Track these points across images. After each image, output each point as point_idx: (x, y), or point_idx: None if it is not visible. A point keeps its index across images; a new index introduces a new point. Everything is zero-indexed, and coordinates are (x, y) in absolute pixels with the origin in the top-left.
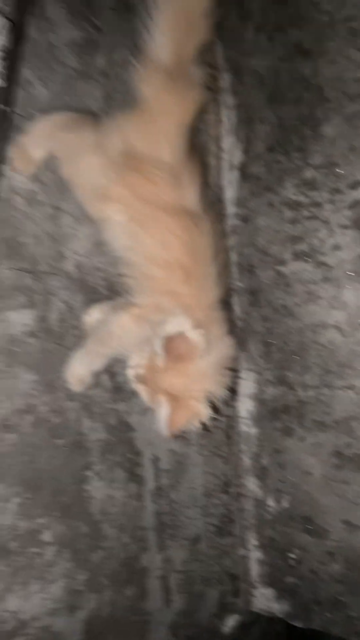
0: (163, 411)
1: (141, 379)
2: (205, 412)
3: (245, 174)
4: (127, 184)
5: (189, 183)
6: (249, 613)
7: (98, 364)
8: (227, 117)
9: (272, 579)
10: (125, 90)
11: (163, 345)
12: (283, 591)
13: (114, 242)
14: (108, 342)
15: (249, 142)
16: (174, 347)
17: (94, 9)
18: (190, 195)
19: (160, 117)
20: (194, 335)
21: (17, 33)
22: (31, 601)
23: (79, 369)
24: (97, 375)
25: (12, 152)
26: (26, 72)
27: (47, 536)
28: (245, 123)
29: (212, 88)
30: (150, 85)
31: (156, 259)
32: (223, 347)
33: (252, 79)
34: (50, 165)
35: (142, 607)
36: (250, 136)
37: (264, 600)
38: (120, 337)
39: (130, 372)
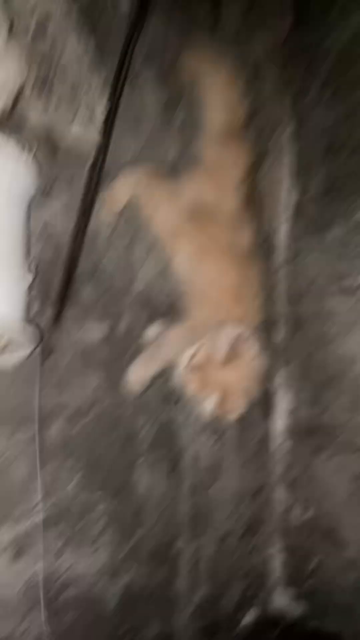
0: (213, 399)
1: (195, 370)
2: (244, 407)
3: (300, 212)
4: (195, 225)
5: (245, 226)
6: (268, 610)
7: (154, 369)
8: (289, 161)
9: (292, 580)
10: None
11: (227, 344)
12: (302, 592)
13: (179, 269)
14: (164, 351)
15: (306, 185)
16: (234, 348)
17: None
18: (245, 236)
19: (220, 173)
20: (251, 341)
21: (116, 96)
22: (82, 562)
23: (139, 372)
24: (153, 379)
25: (105, 194)
26: (120, 125)
27: (100, 508)
28: (304, 168)
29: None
30: (209, 149)
31: (213, 284)
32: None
33: (314, 129)
34: (130, 204)
35: (172, 587)
36: (307, 180)
37: (283, 599)
38: (174, 346)
39: (185, 364)
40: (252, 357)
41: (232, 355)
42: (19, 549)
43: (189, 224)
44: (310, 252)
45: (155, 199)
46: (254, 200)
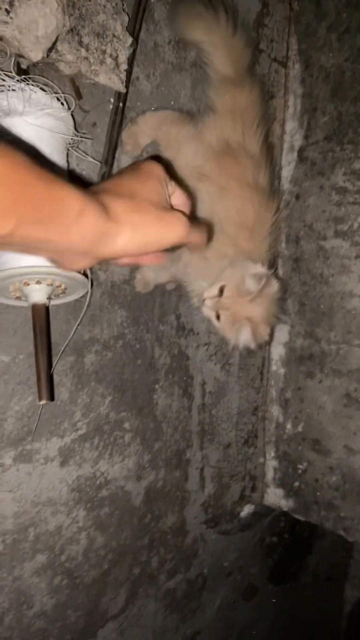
0: (246, 330)
1: (224, 307)
2: (268, 333)
3: (302, 157)
4: (218, 164)
5: (264, 166)
6: (262, 505)
7: (163, 277)
8: (293, 104)
9: (282, 482)
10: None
11: (257, 281)
12: (290, 492)
13: (201, 206)
14: (176, 266)
15: (310, 130)
16: (267, 287)
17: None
18: (264, 176)
19: (240, 116)
20: (271, 278)
21: (135, 42)
22: (114, 468)
23: (148, 273)
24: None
25: (124, 137)
26: (136, 70)
27: (126, 425)
28: (309, 112)
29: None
30: (224, 95)
31: (231, 220)
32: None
33: (319, 73)
34: (149, 146)
35: (184, 487)
36: (311, 124)
37: (275, 497)
38: (186, 267)
39: (208, 302)
40: (274, 293)
41: (260, 293)
42: (65, 458)
43: (212, 163)
44: (310, 196)
45: (177, 142)
46: (270, 142)
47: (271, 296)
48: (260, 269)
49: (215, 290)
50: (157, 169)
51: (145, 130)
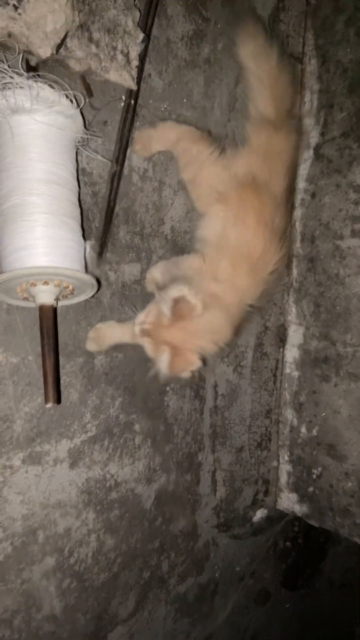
0: (165, 357)
1: (145, 333)
2: (196, 362)
3: (318, 154)
4: (239, 195)
5: (283, 210)
6: (275, 510)
7: (167, 277)
8: (310, 100)
9: (296, 487)
10: (222, 76)
11: (170, 306)
12: (304, 497)
13: (211, 226)
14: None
15: (326, 126)
16: (177, 309)
17: (204, 1)
18: (280, 219)
19: (270, 157)
20: (193, 300)
21: (147, 38)
22: (124, 470)
23: (155, 273)
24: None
25: (137, 136)
26: (147, 67)
27: (137, 427)
28: (325, 108)
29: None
30: (261, 133)
31: (238, 250)
32: (220, 319)
33: (337, 69)
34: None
35: (196, 490)
36: (328, 120)
37: (288, 502)
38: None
39: (136, 329)
40: (197, 317)
41: (178, 316)
42: (74, 459)
43: (234, 192)
44: (327, 195)
45: (199, 161)
46: (292, 187)
47: (198, 320)
48: (180, 292)
49: (142, 317)
50: None
51: (162, 139)
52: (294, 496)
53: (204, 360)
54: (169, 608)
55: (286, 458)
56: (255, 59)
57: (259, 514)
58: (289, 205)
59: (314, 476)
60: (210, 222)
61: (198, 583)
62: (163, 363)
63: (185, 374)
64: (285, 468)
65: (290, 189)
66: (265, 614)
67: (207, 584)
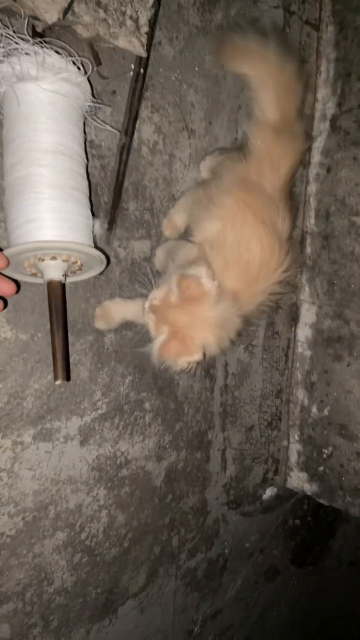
0: (160, 338)
1: (153, 309)
2: (194, 354)
3: (334, 126)
4: (239, 200)
5: (283, 214)
6: (285, 488)
7: (184, 218)
8: (326, 70)
9: (306, 466)
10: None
11: (178, 283)
12: (314, 476)
13: (211, 228)
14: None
15: (344, 97)
16: (188, 290)
17: None
18: (282, 224)
19: (270, 162)
20: (208, 284)
21: (157, 2)
22: (134, 448)
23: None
24: None
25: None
26: (157, 34)
27: (147, 405)
28: (343, 77)
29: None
30: (263, 139)
31: (236, 255)
32: (233, 317)
33: (355, 35)
34: (170, 118)
35: (205, 468)
36: (345, 90)
37: (298, 480)
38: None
39: (146, 304)
40: (210, 305)
41: (187, 298)
42: (85, 437)
43: (235, 197)
44: (343, 169)
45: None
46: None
47: (210, 310)
48: (196, 271)
49: (155, 292)
50: None
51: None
52: (304, 475)
53: (205, 354)
54: (179, 583)
55: (296, 437)
56: (253, 65)
57: (269, 492)
58: (293, 211)
59: (325, 456)
60: (210, 224)
61: (208, 559)
62: (156, 344)
63: (181, 363)
64: (295, 447)
65: (291, 194)
66: (274, 590)
67: (217, 559)
